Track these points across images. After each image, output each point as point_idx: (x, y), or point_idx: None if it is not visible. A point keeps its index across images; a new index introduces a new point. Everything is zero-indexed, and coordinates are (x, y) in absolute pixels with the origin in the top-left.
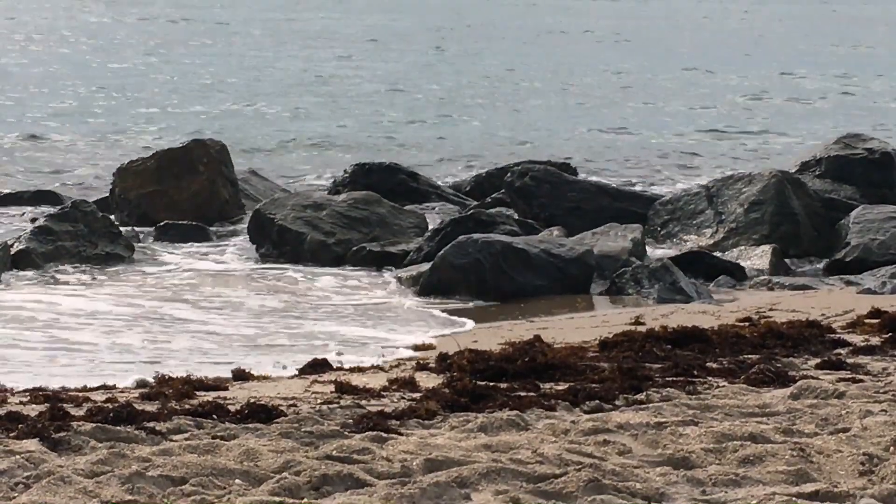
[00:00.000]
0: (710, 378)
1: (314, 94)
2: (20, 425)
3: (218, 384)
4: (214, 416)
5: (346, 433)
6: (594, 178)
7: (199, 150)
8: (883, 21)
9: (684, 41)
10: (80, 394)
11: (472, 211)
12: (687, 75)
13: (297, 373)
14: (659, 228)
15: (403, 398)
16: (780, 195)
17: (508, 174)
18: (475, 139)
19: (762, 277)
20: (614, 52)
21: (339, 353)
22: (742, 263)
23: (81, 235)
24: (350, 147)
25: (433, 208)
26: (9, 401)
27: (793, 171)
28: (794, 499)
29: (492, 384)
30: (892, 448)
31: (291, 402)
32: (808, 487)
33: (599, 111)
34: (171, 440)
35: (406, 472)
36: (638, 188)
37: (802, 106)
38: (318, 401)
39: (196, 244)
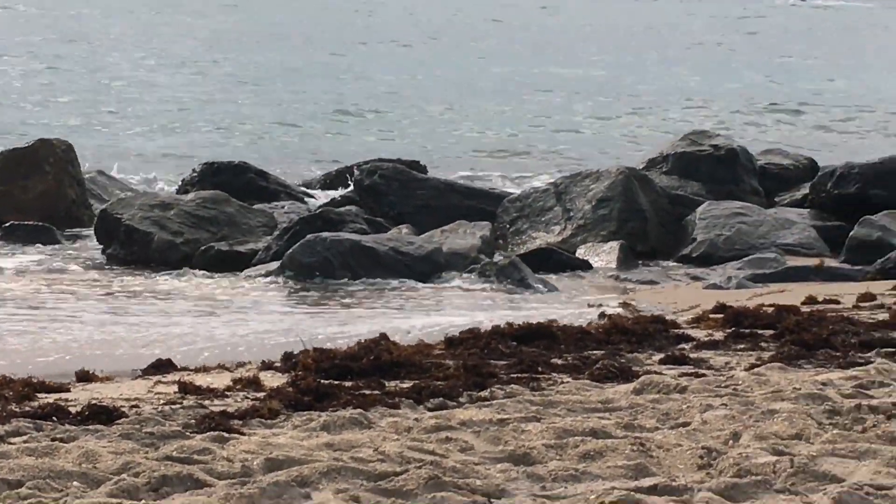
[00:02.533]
0: (554, 374)
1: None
2: None
3: (60, 386)
4: (54, 418)
5: (187, 434)
6: (443, 176)
7: (45, 149)
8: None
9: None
10: None
11: (320, 209)
12: (512, 72)
13: (140, 373)
14: (508, 226)
15: (247, 398)
16: (628, 192)
17: (357, 172)
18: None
19: (611, 273)
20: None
21: (303, 341)
22: (590, 259)
23: None
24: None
25: (282, 207)
26: None
27: (640, 167)
28: (632, 493)
29: (336, 383)
30: (730, 442)
31: (134, 402)
32: (647, 481)
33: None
34: (9, 443)
35: (246, 471)
36: (487, 186)
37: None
38: (161, 401)
39: (42, 245)
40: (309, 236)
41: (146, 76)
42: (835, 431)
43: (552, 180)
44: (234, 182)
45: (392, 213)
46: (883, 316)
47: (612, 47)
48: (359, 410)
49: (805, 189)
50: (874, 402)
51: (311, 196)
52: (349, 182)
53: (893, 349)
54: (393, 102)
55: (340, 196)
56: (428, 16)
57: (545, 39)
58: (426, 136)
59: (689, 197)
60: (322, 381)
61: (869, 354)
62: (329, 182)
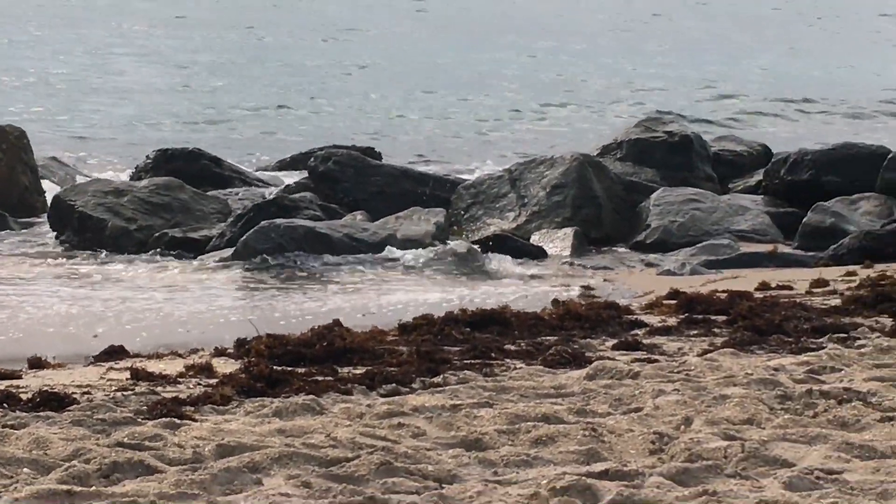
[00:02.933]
0: (507, 360)
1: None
2: None
3: (11, 373)
4: (5, 405)
5: (139, 420)
6: (398, 163)
7: None
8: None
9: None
10: None
11: (275, 196)
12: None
13: (92, 360)
14: (462, 212)
15: (200, 384)
16: (582, 178)
17: (312, 159)
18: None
19: (565, 259)
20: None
21: (256, 327)
22: (545, 246)
23: None
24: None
25: (237, 193)
26: None
27: (594, 154)
28: (583, 478)
29: (289, 369)
30: (682, 427)
31: (85, 389)
32: (598, 467)
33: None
34: None
35: (198, 458)
36: (442, 172)
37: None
38: (113, 388)
39: None
40: (263, 223)
41: (103, 62)
42: (786, 416)
43: (507, 167)
44: (188, 169)
45: (346, 199)
46: (835, 302)
47: (561, 33)
48: (311, 396)
49: (759, 175)
50: (825, 387)
51: (266, 183)
52: (304, 169)
53: (845, 335)
54: (346, 90)
55: (295, 183)
56: (350, 9)
57: (479, 29)
58: (381, 123)
59: (644, 183)
60: (275, 367)
61: (821, 340)
62: (284, 169)
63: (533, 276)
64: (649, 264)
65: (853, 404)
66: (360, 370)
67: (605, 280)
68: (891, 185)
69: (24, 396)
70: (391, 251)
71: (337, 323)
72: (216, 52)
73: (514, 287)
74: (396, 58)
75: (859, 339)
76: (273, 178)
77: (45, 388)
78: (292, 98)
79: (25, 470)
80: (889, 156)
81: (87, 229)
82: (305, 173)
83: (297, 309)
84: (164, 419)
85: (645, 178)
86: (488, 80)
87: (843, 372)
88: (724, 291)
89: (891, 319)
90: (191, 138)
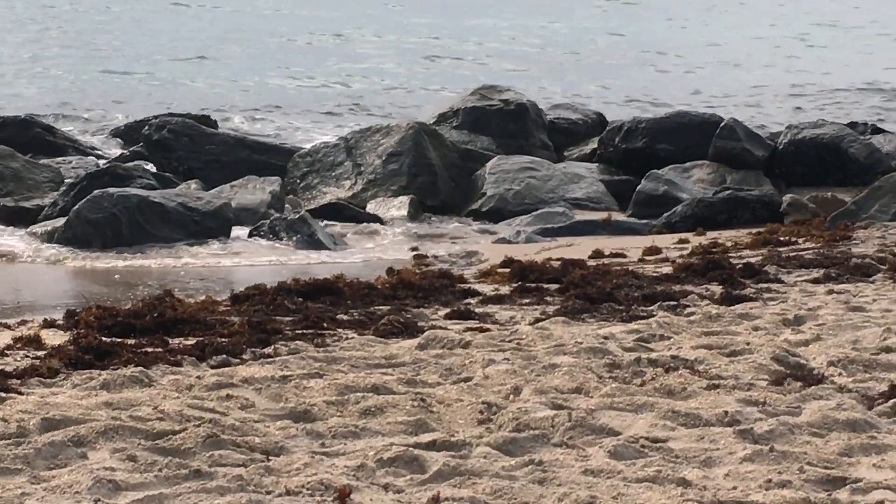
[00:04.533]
0: (339, 330)
1: None
2: None
3: None
4: None
5: None
6: (233, 131)
7: None
8: None
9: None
10: None
11: (108, 165)
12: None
13: None
14: (298, 181)
15: (27, 356)
16: (418, 146)
17: (146, 127)
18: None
19: (401, 228)
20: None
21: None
22: (381, 214)
23: None
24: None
25: (70, 162)
26: None
27: (430, 122)
28: (410, 448)
29: (119, 341)
30: (511, 396)
31: None
32: (426, 437)
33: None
34: None
35: (22, 432)
36: (278, 140)
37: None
38: None
39: None
40: (96, 192)
41: None
42: (614, 385)
43: (343, 135)
44: (20, 137)
45: (181, 168)
46: (667, 269)
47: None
48: (140, 368)
49: (594, 144)
50: (653, 355)
51: (101, 151)
52: (139, 137)
53: (675, 302)
54: (183, 57)
55: (129, 151)
56: None
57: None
58: (216, 90)
59: (480, 152)
60: (104, 339)
61: (651, 308)
62: (118, 137)
63: (368, 245)
64: (485, 232)
65: (680, 372)
66: (191, 341)
67: (439, 248)
68: (723, 153)
69: None
70: (225, 222)
71: (168, 293)
72: (63, 21)
73: (348, 256)
74: (243, 25)
75: (689, 306)
76: (107, 146)
77: None
78: (139, 63)
79: None
80: (721, 124)
81: None
82: (140, 142)
83: (135, 278)
84: None
85: (481, 147)
86: (335, 48)
87: (671, 340)
88: (557, 260)
89: (720, 287)
90: (27, 105)
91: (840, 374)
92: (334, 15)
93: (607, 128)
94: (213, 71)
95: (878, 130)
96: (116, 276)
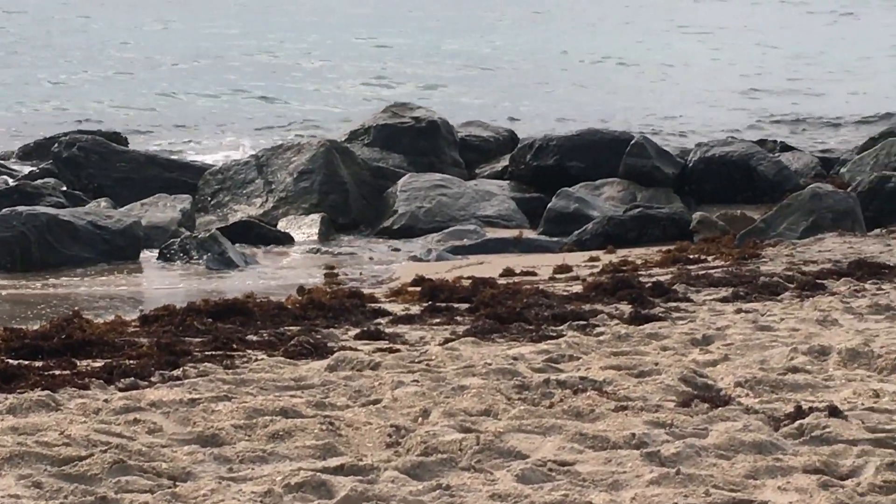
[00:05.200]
0: (249, 351)
1: None
2: None
3: None
4: None
5: None
6: (144, 148)
7: None
8: None
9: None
10: None
11: (17, 183)
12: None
13: None
14: (209, 198)
15: None
16: (329, 164)
17: (56, 144)
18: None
19: (312, 246)
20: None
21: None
22: (292, 233)
23: None
24: None
25: None
26: None
27: (342, 140)
28: (318, 473)
29: (26, 363)
30: (420, 419)
31: None
32: (335, 461)
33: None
34: None
35: None
36: (189, 158)
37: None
38: None
39: None
40: (4, 210)
41: None
42: (522, 407)
43: (254, 152)
44: None
45: (91, 186)
46: (577, 288)
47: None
48: (47, 392)
49: (505, 161)
50: (562, 376)
51: (9, 169)
52: (48, 154)
53: (585, 322)
54: (92, 71)
55: (38, 169)
56: None
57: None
58: (129, 108)
59: (391, 169)
60: (11, 361)
61: (561, 328)
62: (27, 155)
63: (279, 264)
64: (396, 250)
65: (588, 394)
66: (99, 363)
67: (351, 266)
68: (633, 171)
69: None
70: (135, 241)
71: (76, 314)
72: None
73: (259, 275)
74: (162, 38)
75: (598, 326)
76: (16, 163)
77: None
78: (48, 78)
79: None
80: (632, 142)
81: None
82: (50, 160)
83: (41, 299)
84: None
85: (392, 164)
86: (249, 65)
87: (580, 360)
88: (468, 278)
89: (630, 306)
90: None
91: (747, 395)
92: (268, 31)
93: (518, 145)
94: (127, 87)
95: (787, 148)
96: (24, 296)
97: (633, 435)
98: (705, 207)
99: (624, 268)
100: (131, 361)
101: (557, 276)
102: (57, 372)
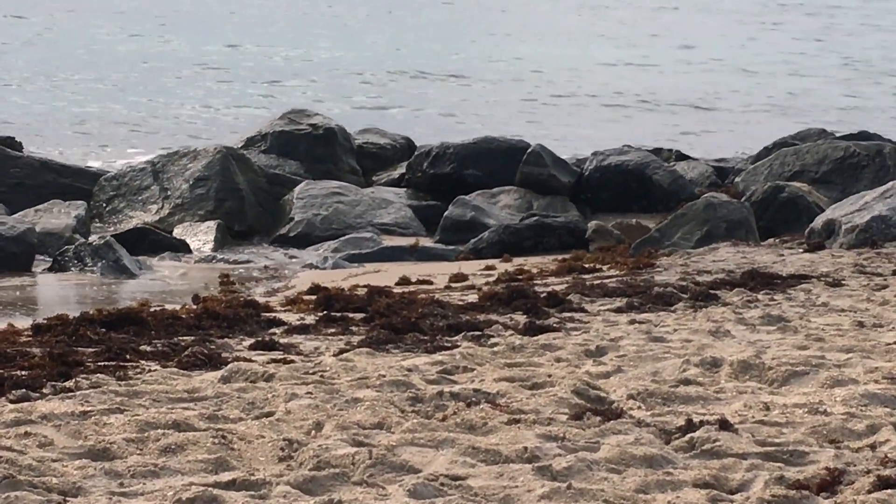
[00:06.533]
0: (143, 362)
1: None
2: None
3: None
4: None
5: None
6: (39, 153)
7: None
8: None
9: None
10: None
11: None
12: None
13: None
14: (104, 205)
15: None
16: (225, 171)
17: None
18: None
19: (207, 253)
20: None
21: None
22: (188, 240)
23: None
24: None
25: None
26: None
27: (238, 146)
28: (209, 488)
29: None
30: (313, 432)
31: None
32: (227, 476)
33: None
34: None
35: None
36: (84, 163)
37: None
38: None
39: None
40: None
41: None
42: (416, 420)
43: (150, 158)
44: None
45: None
46: (472, 298)
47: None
48: None
49: (402, 168)
50: (456, 388)
51: None
52: None
53: (480, 332)
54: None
55: None
56: None
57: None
58: (24, 110)
59: (288, 176)
60: None
61: (456, 338)
62: None
63: (174, 272)
64: (293, 258)
65: (481, 406)
66: None
67: (246, 274)
68: (529, 179)
69: None
70: (29, 247)
71: None
72: None
73: (154, 283)
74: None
75: (493, 336)
76: None
77: None
78: None
79: None
80: (528, 150)
81: None
82: None
83: None
84: None
85: (289, 171)
86: (156, 68)
87: (474, 372)
88: (364, 287)
89: (524, 316)
90: None
91: (639, 408)
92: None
93: (415, 153)
94: (23, 94)
95: (682, 157)
96: None
97: (526, 448)
98: (601, 216)
99: (519, 277)
100: (23, 372)
101: (453, 284)
102: None
